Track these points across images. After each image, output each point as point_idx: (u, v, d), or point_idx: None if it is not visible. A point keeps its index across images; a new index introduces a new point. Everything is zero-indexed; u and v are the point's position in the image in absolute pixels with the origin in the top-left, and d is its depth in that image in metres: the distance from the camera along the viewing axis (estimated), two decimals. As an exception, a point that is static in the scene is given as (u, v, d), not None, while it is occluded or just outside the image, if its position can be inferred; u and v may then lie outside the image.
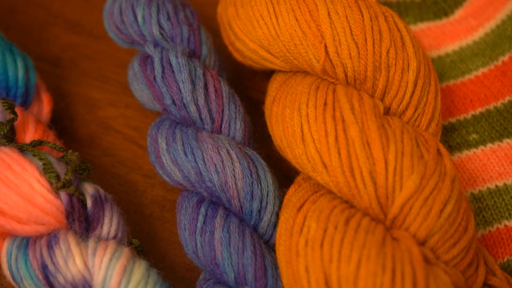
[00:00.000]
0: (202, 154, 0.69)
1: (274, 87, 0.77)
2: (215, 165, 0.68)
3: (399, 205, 0.63)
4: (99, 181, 0.74)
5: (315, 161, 0.66)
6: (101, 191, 0.70)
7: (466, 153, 0.78)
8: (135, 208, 0.79)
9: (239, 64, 0.82)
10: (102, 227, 0.68)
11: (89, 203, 0.68)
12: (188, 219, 0.69)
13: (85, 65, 0.89)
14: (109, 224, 0.68)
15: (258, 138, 0.78)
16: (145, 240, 0.76)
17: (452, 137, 0.79)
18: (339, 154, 0.64)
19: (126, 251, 0.64)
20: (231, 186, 0.68)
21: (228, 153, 0.69)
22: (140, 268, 0.63)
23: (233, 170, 0.68)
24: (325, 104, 0.67)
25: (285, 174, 0.76)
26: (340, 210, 0.64)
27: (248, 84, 0.88)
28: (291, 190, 0.70)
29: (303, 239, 0.62)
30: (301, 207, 0.66)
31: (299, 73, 0.75)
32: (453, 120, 0.80)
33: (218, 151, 0.69)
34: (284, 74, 0.77)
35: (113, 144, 0.84)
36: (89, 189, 0.69)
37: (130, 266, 0.63)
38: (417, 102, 0.71)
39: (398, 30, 0.72)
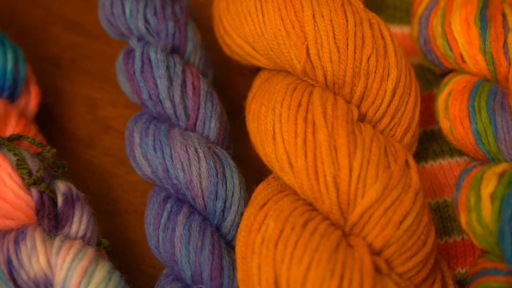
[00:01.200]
0: (171, 151, 0.69)
1: (256, 84, 0.77)
2: (182, 163, 0.69)
3: (359, 212, 0.63)
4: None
5: (282, 161, 0.67)
6: (74, 189, 0.70)
7: (440, 162, 0.77)
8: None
9: (235, 62, 0.82)
10: (71, 226, 0.68)
11: (59, 201, 0.68)
12: (153, 214, 0.69)
13: (85, 65, 0.89)
14: (78, 223, 0.68)
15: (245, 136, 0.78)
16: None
17: (433, 144, 0.79)
18: (306, 156, 0.65)
19: (90, 252, 0.64)
20: (195, 185, 0.68)
21: (196, 151, 0.69)
22: (101, 270, 0.63)
23: (199, 169, 0.68)
24: (299, 105, 0.68)
25: (267, 173, 0.76)
26: (301, 212, 0.64)
27: (239, 81, 0.88)
28: (260, 187, 0.70)
29: (260, 237, 0.63)
30: (264, 205, 0.66)
31: (281, 72, 0.75)
32: (435, 127, 0.80)
33: (186, 149, 0.69)
34: (268, 72, 0.77)
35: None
36: (61, 187, 0.69)
37: (92, 267, 0.63)
38: (394, 111, 0.70)
39: (382, 37, 0.71)
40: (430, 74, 0.83)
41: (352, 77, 0.69)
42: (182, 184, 0.69)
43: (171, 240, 0.67)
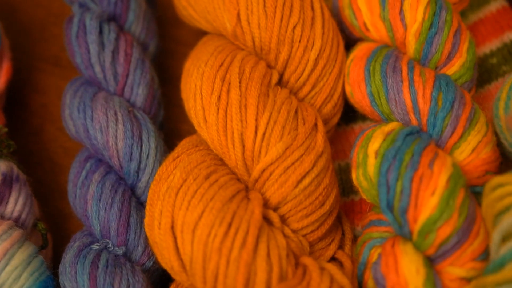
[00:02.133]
0: (92, 112, 0.73)
1: (196, 45, 0.80)
2: (100, 124, 0.72)
3: (260, 169, 0.66)
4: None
5: (199, 116, 0.70)
6: (15, 170, 0.72)
7: (352, 126, 0.81)
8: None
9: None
10: (6, 206, 0.69)
11: None
12: (74, 172, 0.73)
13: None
14: (14, 204, 0.70)
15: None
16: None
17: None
18: (217, 113, 0.68)
19: (16, 234, 0.66)
20: (111, 146, 0.71)
21: (115, 114, 0.72)
22: (22, 254, 0.65)
23: (116, 131, 0.72)
24: (221, 65, 0.71)
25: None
26: (207, 165, 0.67)
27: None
28: (182, 142, 0.74)
29: (166, 185, 0.66)
30: (177, 157, 0.70)
31: (218, 36, 0.78)
32: None
33: (106, 111, 0.73)
34: (209, 35, 0.80)
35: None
36: (2, 167, 0.70)
37: (13, 250, 0.65)
38: (315, 80, 0.73)
39: (312, 9, 0.74)
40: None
41: (277, 44, 0.72)
42: (100, 144, 0.72)
43: (85, 196, 0.70)
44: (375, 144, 0.67)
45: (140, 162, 0.72)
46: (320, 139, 0.68)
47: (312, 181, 0.66)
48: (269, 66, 0.73)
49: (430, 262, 0.62)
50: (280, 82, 0.73)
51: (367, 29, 0.76)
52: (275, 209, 0.66)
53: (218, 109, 0.68)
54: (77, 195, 0.71)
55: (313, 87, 0.73)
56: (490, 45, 0.83)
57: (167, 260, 0.64)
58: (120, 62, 0.77)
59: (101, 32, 0.78)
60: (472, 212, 0.62)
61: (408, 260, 0.61)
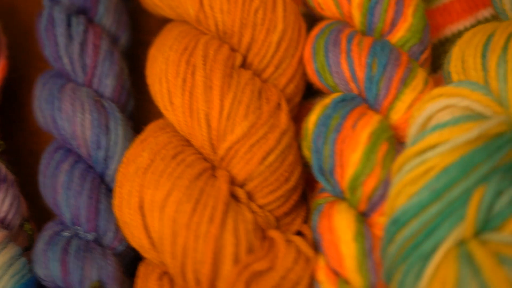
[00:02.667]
0: (59, 103, 0.74)
1: (161, 32, 0.82)
2: (68, 115, 0.73)
3: (225, 147, 0.68)
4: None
5: (165, 100, 0.72)
6: (3, 171, 0.73)
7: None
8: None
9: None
10: None
11: None
12: (44, 163, 0.74)
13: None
14: (0, 204, 0.70)
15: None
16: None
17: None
18: (183, 95, 0.70)
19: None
20: (79, 135, 0.73)
21: (82, 104, 0.74)
22: (4, 256, 0.66)
23: (83, 120, 0.73)
24: (185, 49, 0.72)
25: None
26: (174, 146, 0.69)
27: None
28: (149, 126, 0.75)
29: (134, 166, 0.68)
30: (145, 139, 0.71)
31: (182, 22, 0.80)
32: None
33: (73, 102, 0.74)
34: (173, 22, 0.81)
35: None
36: None
37: None
38: (278, 62, 0.75)
39: (273, -7, 0.76)
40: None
41: (240, 28, 0.74)
42: (67, 134, 0.73)
43: (54, 186, 0.71)
44: (313, 116, 0.70)
45: (108, 150, 0.73)
46: (284, 117, 0.70)
47: (277, 158, 0.68)
48: (232, 49, 0.75)
49: (364, 217, 0.65)
50: (244, 65, 0.75)
51: (322, 8, 0.79)
52: (242, 186, 0.68)
53: (183, 91, 0.70)
54: (47, 185, 0.72)
55: (276, 68, 0.75)
56: (464, 22, 0.85)
57: (137, 239, 0.65)
58: (89, 54, 0.78)
59: (69, 24, 0.79)
60: None
61: (339, 217, 0.63)
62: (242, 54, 0.75)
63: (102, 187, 0.72)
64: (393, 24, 0.74)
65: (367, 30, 0.75)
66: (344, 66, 0.72)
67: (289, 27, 0.76)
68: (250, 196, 0.68)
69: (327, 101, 0.71)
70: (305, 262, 0.62)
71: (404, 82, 0.70)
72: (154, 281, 0.64)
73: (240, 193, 0.67)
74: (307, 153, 0.70)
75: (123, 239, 0.69)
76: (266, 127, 0.68)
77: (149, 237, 0.65)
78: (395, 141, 0.67)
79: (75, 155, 0.74)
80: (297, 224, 0.70)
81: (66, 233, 0.68)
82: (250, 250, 0.62)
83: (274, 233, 0.64)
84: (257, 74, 0.75)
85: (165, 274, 0.65)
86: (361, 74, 0.71)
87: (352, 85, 0.72)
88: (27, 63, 0.88)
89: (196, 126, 0.69)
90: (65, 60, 0.78)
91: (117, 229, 0.70)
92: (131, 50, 0.86)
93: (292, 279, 0.61)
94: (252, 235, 0.63)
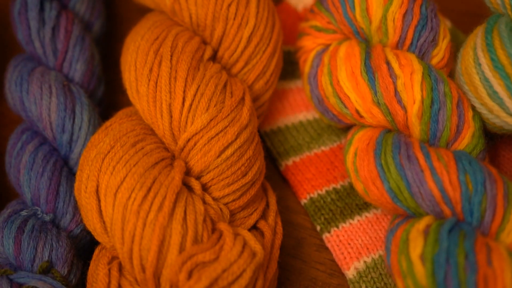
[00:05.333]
0: (28, 86, 0.76)
1: (138, 22, 0.83)
2: (35, 97, 0.75)
3: (185, 138, 0.69)
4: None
5: (132, 87, 0.73)
6: None
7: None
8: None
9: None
10: None
11: None
12: (11, 143, 0.76)
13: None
14: None
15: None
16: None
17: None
18: (148, 84, 0.71)
19: None
20: (45, 118, 0.74)
21: (50, 88, 0.75)
22: None
23: (49, 103, 0.74)
24: (156, 39, 0.74)
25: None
26: (136, 133, 0.70)
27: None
28: (118, 112, 0.76)
29: (95, 151, 0.69)
30: (110, 125, 0.72)
31: (160, 12, 0.81)
32: None
33: (41, 85, 0.75)
34: (152, 12, 0.82)
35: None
36: None
37: None
38: (248, 57, 0.76)
39: (248, -12, 0.76)
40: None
41: (212, 21, 0.75)
42: (34, 116, 0.75)
43: (18, 166, 0.73)
44: (417, 249, 0.61)
45: (72, 134, 0.75)
46: (245, 112, 0.71)
47: (235, 152, 0.69)
48: (204, 42, 0.76)
49: None
50: (215, 58, 0.76)
51: (361, 116, 0.72)
52: (198, 178, 0.69)
53: (149, 80, 0.71)
54: (12, 165, 0.74)
55: (246, 64, 0.76)
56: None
57: (91, 222, 0.67)
58: (60, 38, 0.80)
59: (42, 9, 0.80)
60: None
61: None
62: (214, 47, 0.76)
63: (65, 170, 0.73)
64: (458, 131, 0.68)
65: (430, 139, 0.69)
66: (432, 185, 0.64)
67: (262, 23, 0.76)
68: (205, 188, 0.69)
69: (421, 227, 0.62)
70: (250, 256, 0.63)
71: (508, 199, 0.62)
72: (103, 264, 0.65)
73: (195, 184, 0.68)
74: None
75: (80, 222, 0.71)
76: (227, 121, 0.69)
77: (102, 221, 0.66)
78: None
79: (41, 137, 0.75)
80: (253, 219, 0.71)
81: (24, 213, 0.70)
82: (197, 241, 0.63)
83: (223, 226, 0.65)
84: (227, 68, 0.76)
85: (115, 259, 0.66)
86: (455, 194, 0.63)
87: (444, 207, 0.64)
88: (1, 48, 0.89)
89: (158, 116, 0.70)
90: (37, 44, 0.79)
91: (75, 212, 0.71)
92: (108, 38, 0.87)
93: (235, 272, 0.62)
94: (200, 226, 0.64)
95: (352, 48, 0.74)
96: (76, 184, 0.70)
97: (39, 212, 0.71)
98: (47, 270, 0.67)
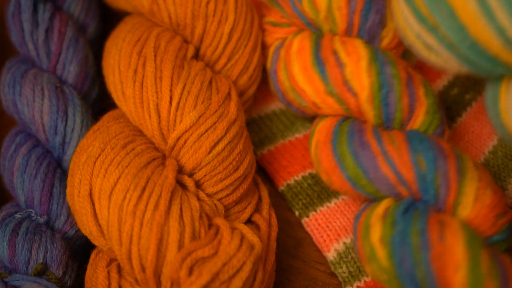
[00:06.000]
0: (20, 88, 0.76)
1: (117, 26, 0.83)
2: (27, 99, 0.75)
3: (175, 137, 0.69)
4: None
5: (117, 90, 0.73)
6: None
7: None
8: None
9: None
10: None
11: None
12: (5, 146, 0.76)
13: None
14: None
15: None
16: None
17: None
18: (134, 85, 0.71)
19: None
20: (37, 120, 0.74)
21: (42, 90, 0.75)
22: None
23: (41, 105, 0.74)
24: (138, 41, 0.74)
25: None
26: (125, 135, 0.70)
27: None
28: (104, 116, 0.76)
29: (85, 155, 0.69)
30: (98, 129, 0.72)
31: (138, 15, 0.81)
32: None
33: (33, 87, 0.75)
34: (129, 15, 0.83)
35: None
36: None
37: None
38: (230, 53, 0.76)
39: (225, -15, 0.77)
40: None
41: (192, 19, 0.75)
42: (27, 118, 0.75)
43: (11, 168, 0.73)
44: (376, 234, 0.63)
45: (65, 135, 0.74)
46: (233, 107, 0.71)
47: (225, 147, 0.69)
48: (185, 41, 0.76)
49: None
50: (197, 56, 0.76)
51: (319, 107, 0.73)
52: (191, 175, 0.69)
53: (134, 82, 0.71)
54: (6, 168, 0.74)
55: (229, 59, 0.77)
56: (447, 76, 0.83)
57: (86, 226, 0.67)
58: (53, 40, 0.79)
59: (36, 11, 0.80)
60: (502, 268, 0.59)
61: None
62: (195, 45, 0.76)
63: (58, 172, 0.73)
64: (411, 110, 0.69)
65: (384, 123, 0.70)
66: (386, 170, 0.65)
67: (241, 19, 0.77)
68: (199, 185, 0.69)
69: (380, 211, 0.64)
70: (248, 249, 0.64)
71: (461, 172, 0.63)
72: (102, 267, 0.65)
73: (188, 181, 0.68)
74: (382, 275, 0.62)
75: (74, 224, 0.71)
76: (215, 117, 0.69)
77: (98, 224, 0.66)
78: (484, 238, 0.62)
79: (34, 140, 0.75)
80: (247, 213, 0.72)
81: (18, 215, 0.70)
82: (195, 237, 0.64)
83: (220, 221, 0.66)
84: (210, 65, 0.76)
85: (113, 261, 0.66)
86: (408, 175, 0.64)
87: (401, 189, 0.65)
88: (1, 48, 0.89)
89: (146, 116, 0.70)
90: (30, 46, 0.79)
91: (69, 214, 0.71)
92: (104, 40, 0.87)
93: (235, 265, 0.62)
94: (197, 222, 0.65)
95: (303, 41, 0.75)
96: (68, 190, 0.70)
97: (33, 215, 0.71)
98: (42, 272, 0.67)
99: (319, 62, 0.72)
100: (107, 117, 0.75)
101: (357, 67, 0.70)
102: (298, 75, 0.74)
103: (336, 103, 0.71)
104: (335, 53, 0.72)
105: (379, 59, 0.70)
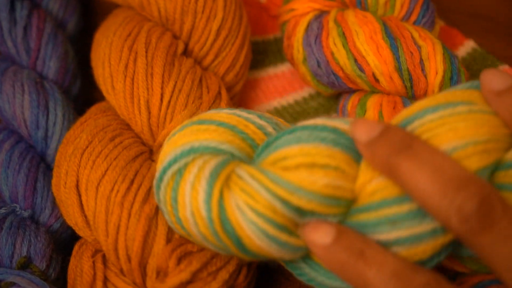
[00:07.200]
0: (1, 86, 0.76)
1: (107, 18, 0.83)
2: (8, 96, 0.76)
3: (165, 134, 0.70)
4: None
5: (107, 84, 0.74)
6: None
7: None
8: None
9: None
10: None
11: None
12: None
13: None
14: None
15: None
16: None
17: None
18: (125, 80, 0.72)
19: None
20: (18, 116, 0.75)
21: (22, 86, 0.76)
22: None
23: (22, 101, 0.75)
24: (129, 35, 0.74)
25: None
26: (113, 128, 0.71)
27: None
28: (91, 108, 0.76)
29: (73, 147, 0.70)
30: (85, 121, 0.73)
31: (128, 8, 0.81)
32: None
33: (13, 83, 0.76)
34: (119, 8, 0.83)
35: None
36: None
37: None
38: (217, 50, 0.77)
39: (215, -18, 0.78)
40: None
41: (181, 15, 0.76)
42: (8, 115, 0.76)
43: None
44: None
45: (47, 130, 0.75)
46: (223, 106, 0.72)
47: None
48: (175, 36, 0.77)
49: None
50: (185, 52, 0.77)
51: (377, 80, 0.71)
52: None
53: (125, 77, 0.72)
54: None
55: (216, 56, 0.78)
56: None
57: (72, 217, 0.67)
58: (32, 37, 0.80)
59: (13, 9, 0.81)
60: None
61: None
62: (184, 41, 0.77)
63: (42, 166, 0.74)
64: None
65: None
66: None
67: (229, 16, 0.78)
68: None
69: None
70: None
71: None
72: (87, 258, 0.66)
73: (177, 175, 0.69)
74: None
75: (59, 217, 0.72)
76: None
77: (84, 215, 0.67)
78: None
79: (17, 136, 0.76)
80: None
81: (2, 210, 0.70)
82: (182, 231, 0.64)
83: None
84: (198, 61, 0.77)
85: (98, 251, 0.67)
86: None
87: None
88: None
89: (136, 112, 0.71)
90: (9, 44, 0.80)
91: (54, 207, 0.72)
92: (86, 35, 0.88)
93: (223, 259, 0.63)
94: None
95: (363, 15, 0.74)
96: (54, 180, 0.70)
97: (17, 209, 0.71)
98: (25, 265, 0.67)
99: (390, 36, 0.71)
100: (94, 109, 0.75)
101: (434, 50, 0.69)
102: (363, 44, 0.72)
103: (400, 79, 0.70)
104: (409, 31, 0.72)
105: (447, 51, 0.70)
